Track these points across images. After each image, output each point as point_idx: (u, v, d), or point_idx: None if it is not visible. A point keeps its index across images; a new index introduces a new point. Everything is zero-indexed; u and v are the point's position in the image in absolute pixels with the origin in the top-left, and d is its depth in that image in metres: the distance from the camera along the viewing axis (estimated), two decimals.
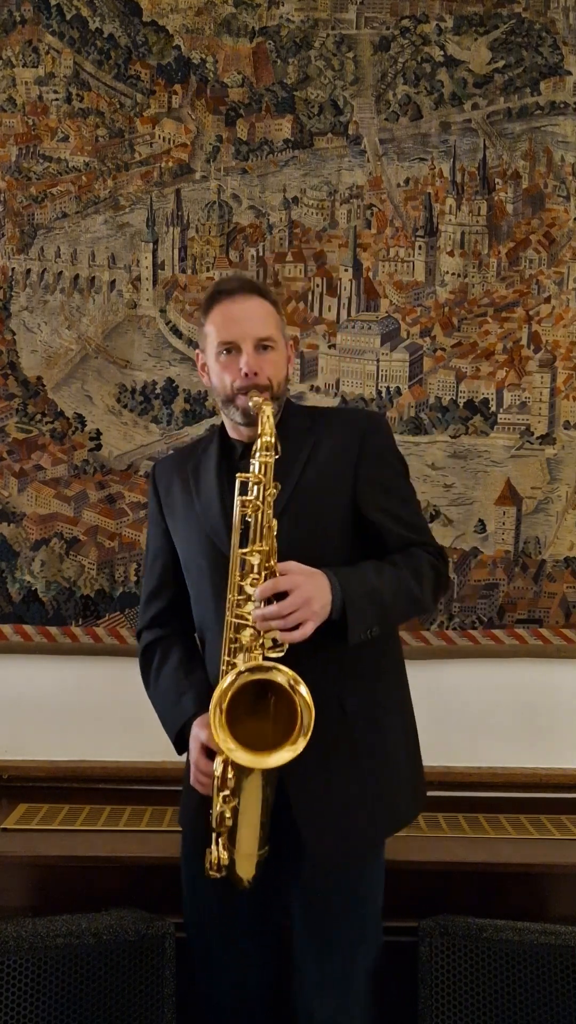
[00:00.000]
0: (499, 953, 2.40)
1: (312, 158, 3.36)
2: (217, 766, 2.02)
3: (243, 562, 2.05)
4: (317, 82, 3.35)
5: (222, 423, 2.32)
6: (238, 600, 2.04)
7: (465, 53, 3.35)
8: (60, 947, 2.35)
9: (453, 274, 3.36)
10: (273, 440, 2.06)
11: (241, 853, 2.06)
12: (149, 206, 3.35)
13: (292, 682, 1.91)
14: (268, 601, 1.98)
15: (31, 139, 3.35)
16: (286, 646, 1.98)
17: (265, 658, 1.98)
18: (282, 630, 1.97)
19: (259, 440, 2.06)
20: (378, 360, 3.35)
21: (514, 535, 3.33)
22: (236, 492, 2.08)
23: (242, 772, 1.99)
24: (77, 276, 3.36)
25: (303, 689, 1.90)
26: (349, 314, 3.36)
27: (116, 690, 3.03)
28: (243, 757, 1.92)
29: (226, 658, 2.05)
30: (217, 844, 2.04)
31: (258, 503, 2.04)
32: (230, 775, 2.00)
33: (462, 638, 3.32)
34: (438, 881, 2.67)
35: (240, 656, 2.02)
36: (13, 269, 3.35)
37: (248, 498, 2.06)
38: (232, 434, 2.27)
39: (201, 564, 2.23)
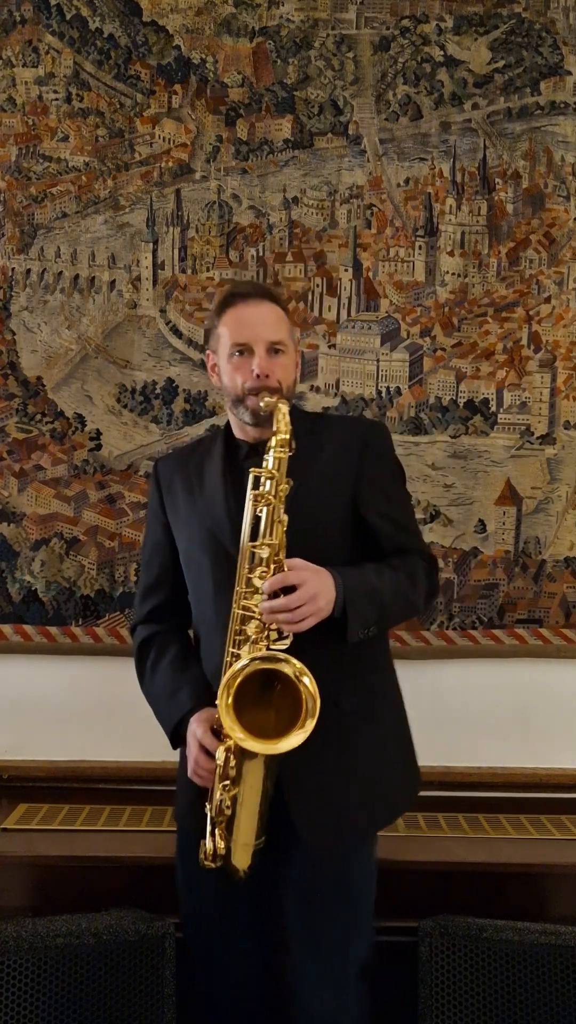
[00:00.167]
0: (499, 953, 2.40)
1: (312, 158, 3.36)
2: (220, 755, 2.05)
3: (252, 555, 2.09)
4: (317, 82, 3.35)
5: (226, 424, 2.36)
6: (245, 592, 2.09)
7: (465, 53, 3.35)
8: (60, 947, 2.35)
9: (453, 274, 3.36)
10: (289, 437, 2.10)
11: (239, 842, 2.09)
12: (149, 206, 3.35)
13: (298, 673, 1.96)
14: (274, 595, 2.03)
15: (31, 139, 3.35)
16: (291, 637, 2.03)
17: (269, 649, 2.02)
18: (287, 623, 2.02)
19: (274, 437, 2.10)
20: (378, 360, 3.35)
21: (514, 535, 3.33)
22: (249, 486, 2.12)
23: (244, 761, 2.03)
24: (77, 276, 3.36)
25: (307, 680, 1.96)
26: (349, 314, 3.36)
27: (116, 690, 3.02)
28: (254, 745, 1.97)
29: (231, 650, 2.10)
30: (214, 834, 2.09)
31: (270, 497, 2.09)
32: (232, 764, 2.04)
33: (462, 638, 3.32)
34: (438, 881, 2.67)
35: (245, 647, 2.06)
36: (13, 269, 3.35)
37: (260, 492, 2.10)
38: (238, 434, 2.31)
39: (202, 559, 2.27)
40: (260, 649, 2.03)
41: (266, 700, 2.02)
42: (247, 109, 3.35)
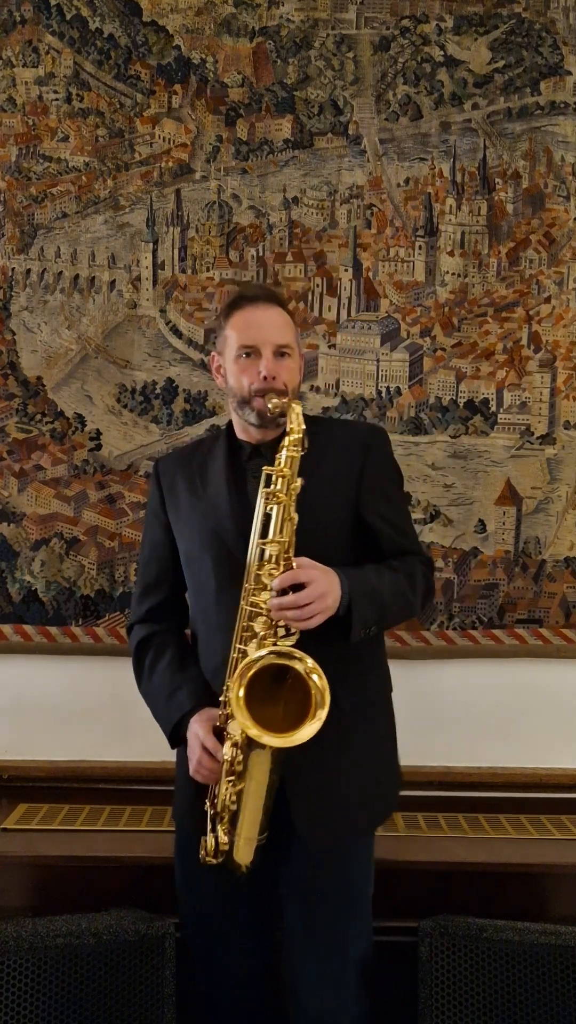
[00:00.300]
0: (499, 953, 2.40)
1: (312, 158, 3.36)
2: (227, 751, 2.07)
3: (262, 552, 2.11)
4: (317, 82, 3.35)
5: (227, 424, 2.37)
6: (254, 589, 2.11)
7: (465, 53, 3.35)
8: (60, 947, 2.35)
9: (453, 274, 3.35)
10: (302, 436, 2.12)
11: (242, 836, 2.11)
12: (149, 206, 3.35)
13: (308, 670, 1.99)
14: (282, 592, 2.05)
15: (31, 139, 3.35)
16: (298, 633, 2.06)
17: (276, 645, 2.05)
18: (296, 620, 2.04)
19: (288, 436, 2.12)
20: (378, 360, 3.35)
21: (514, 535, 3.33)
22: (261, 483, 2.14)
23: (251, 755, 2.05)
24: (77, 276, 3.36)
25: (317, 676, 1.99)
26: (349, 314, 3.36)
27: (116, 690, 3.02)
28: (270, 739, 1.99)
29: (238, 645, 2.12)
30: (215, 830, 2.10)
31: (282, 495, 2.10)
32: (239, 759, 2.06)
33: (462, 638, 3.32)
34: (438, 881, 2.67)
35: (252, 643, 2.08)
36: (13, 269, 3.35)
37: (272, 490, 2.11)
38: (240, 435, 2.33)
39: (204, 558, 2.28)
40: (268, 645, 2.05)
41: (271, 695, 2.04)
42: (247, 109, 3.35)
